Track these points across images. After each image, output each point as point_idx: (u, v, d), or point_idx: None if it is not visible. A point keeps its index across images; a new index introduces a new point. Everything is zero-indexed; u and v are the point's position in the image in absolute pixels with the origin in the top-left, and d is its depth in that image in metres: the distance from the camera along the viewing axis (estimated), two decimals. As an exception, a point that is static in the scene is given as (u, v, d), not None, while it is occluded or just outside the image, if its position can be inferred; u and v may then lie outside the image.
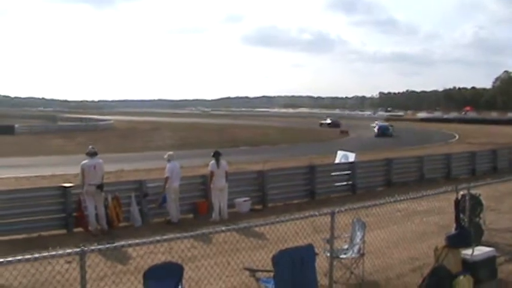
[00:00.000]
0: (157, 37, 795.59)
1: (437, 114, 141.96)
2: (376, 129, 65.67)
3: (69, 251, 5.90)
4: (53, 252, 5.92)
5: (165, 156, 16.21)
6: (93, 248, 6.25)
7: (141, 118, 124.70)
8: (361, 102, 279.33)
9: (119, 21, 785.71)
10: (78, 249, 5.77)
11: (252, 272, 7.95)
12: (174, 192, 15.67)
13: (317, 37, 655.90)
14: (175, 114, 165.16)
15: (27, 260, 5.49)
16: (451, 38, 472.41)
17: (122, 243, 6.75)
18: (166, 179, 15.75)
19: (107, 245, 6.60)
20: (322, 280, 8.16)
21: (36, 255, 5.67)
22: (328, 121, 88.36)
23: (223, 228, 8.20)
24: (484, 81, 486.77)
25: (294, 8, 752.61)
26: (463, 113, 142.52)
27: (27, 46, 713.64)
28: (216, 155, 16.23)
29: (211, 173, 16.05)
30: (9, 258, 5.44)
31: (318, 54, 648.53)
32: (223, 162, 16.33)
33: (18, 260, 5.44)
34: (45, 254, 5.85)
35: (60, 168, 26.75)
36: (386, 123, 72.42)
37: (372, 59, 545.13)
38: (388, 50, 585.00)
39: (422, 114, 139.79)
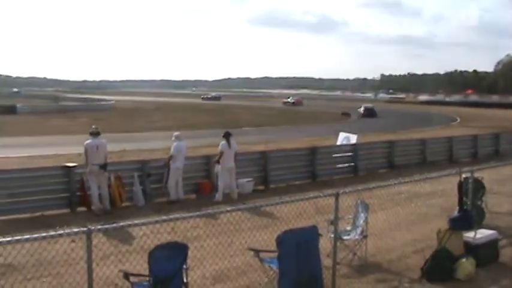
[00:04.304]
0: (159, 17, 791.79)
1: (439, 97, 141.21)
2: (362, 111, 69.78)
3: (76, 230, 5.94)
4: (60, 231, 5.97)
5: (173, 138, 16.17)
6: (99, 227, 6.31)
7: (142, 98, 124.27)
8: (362, 84, 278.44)
9: (120, 1, 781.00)
10: (84, 229, 5.81)
11: (256, 252, 7.97)
12: (177, 171, 15.71)
13: (321, 18, 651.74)
14: (177, 94, 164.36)
15: (35, 239, 5.52)
16: (455, 21, 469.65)
17: (128, 222, 6.81)
18: (171, 157, 15.77)
19: (113, 225, 6.64)
20: (325, 261, 8.21)
21: (44, 234, 5.72)
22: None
23: (228, 208, 8.26)
24: (487, 64, 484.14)
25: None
26: (465, 96, 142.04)
27: (30, 26, 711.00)
28: (227, 136, 16.24)
29: (221, 153, 16.05)
30: (18, 237, 5.48)
31: (321, 35, 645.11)
32: (233, 142, 16.34)
33: (26, 239, 5.48)
34: (53, 233, 5.90)
35: (62, 148, 26.74)
36: (371, 105, 76.17)
37: (375, 41, 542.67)
38: (393, 32, 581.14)
39: (423, 97, 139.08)
